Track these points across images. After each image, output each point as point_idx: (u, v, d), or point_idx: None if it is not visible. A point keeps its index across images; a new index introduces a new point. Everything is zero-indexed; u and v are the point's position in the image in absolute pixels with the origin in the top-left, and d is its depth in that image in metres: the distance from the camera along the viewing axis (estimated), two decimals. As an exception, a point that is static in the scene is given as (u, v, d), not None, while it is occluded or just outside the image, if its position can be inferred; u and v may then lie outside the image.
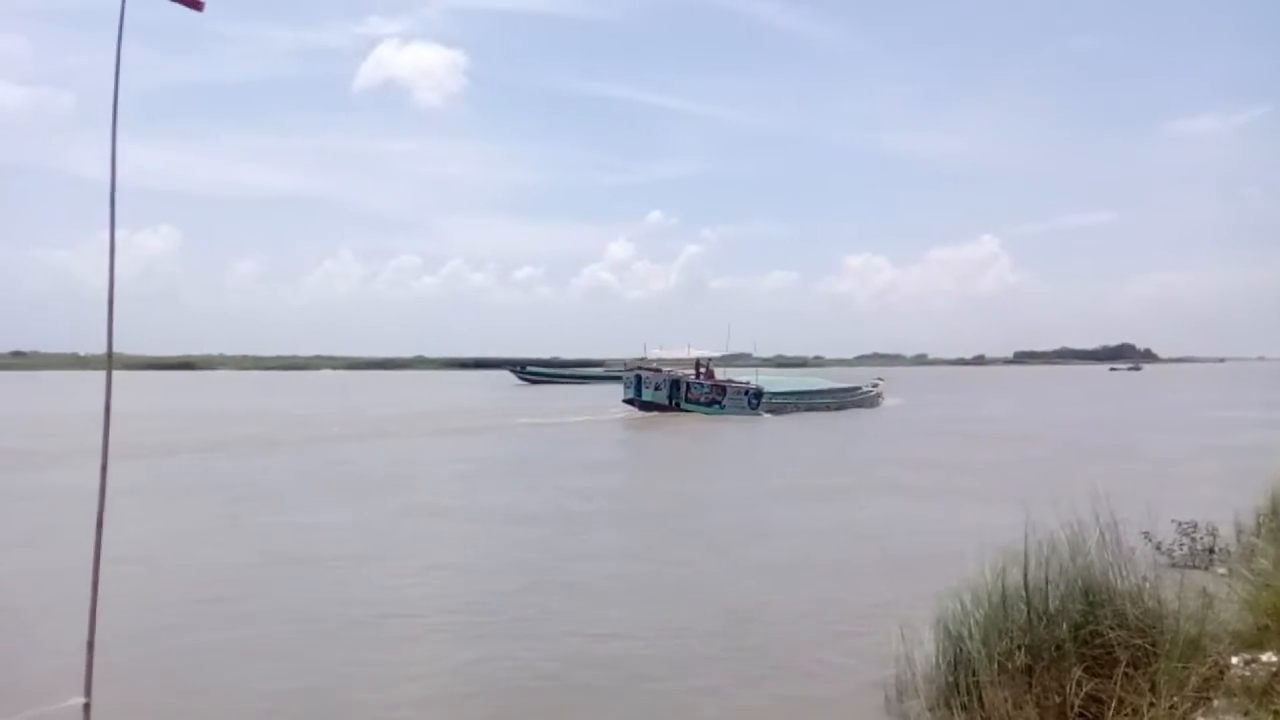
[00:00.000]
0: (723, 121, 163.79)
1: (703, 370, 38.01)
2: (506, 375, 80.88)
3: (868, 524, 13.63)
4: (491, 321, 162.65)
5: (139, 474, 18.41)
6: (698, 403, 36.34)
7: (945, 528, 12.31)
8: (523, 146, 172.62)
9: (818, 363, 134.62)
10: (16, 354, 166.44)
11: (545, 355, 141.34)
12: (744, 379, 39.06)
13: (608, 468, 22.10)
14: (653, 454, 26.51)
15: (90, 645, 4.02)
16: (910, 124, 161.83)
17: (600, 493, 17.17)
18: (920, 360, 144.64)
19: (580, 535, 12.98)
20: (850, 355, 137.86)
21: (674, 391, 36.21)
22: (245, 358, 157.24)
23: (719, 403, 36.62)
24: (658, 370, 36.67)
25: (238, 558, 11.30)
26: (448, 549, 11.98)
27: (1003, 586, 5.53)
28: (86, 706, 4.04)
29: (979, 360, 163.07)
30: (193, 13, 4.35)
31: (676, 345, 37.70)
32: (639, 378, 36.19)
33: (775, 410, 37.53)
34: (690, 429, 32.15)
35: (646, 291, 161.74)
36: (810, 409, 39.66)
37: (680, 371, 37.06)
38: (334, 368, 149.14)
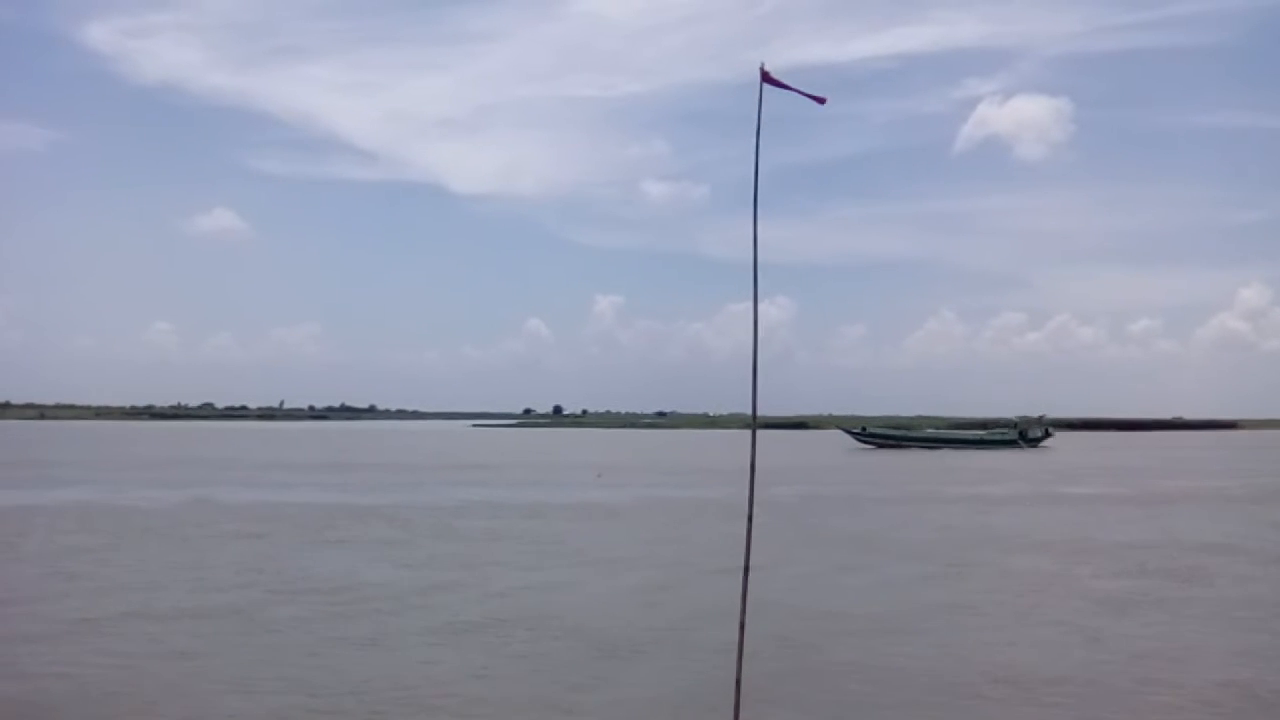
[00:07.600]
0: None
1: None
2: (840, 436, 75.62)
3: None
4: (1102, 379, 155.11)
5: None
6: None
7: None
8: (1135, 190, 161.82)
9: None
10: (659, 414, 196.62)
11: (1167, 415, 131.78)
12: None
13: None
14: None
15: (738, 683, 4.25)
16: None
17: None
18: None
19: None
20: None
21: None
22: (852, 418, 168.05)
23: None
24: None
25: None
26: None
27: None
28: None
29: None
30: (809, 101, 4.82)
31: None
32: None
33: None
34: None
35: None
36: None
37: None
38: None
